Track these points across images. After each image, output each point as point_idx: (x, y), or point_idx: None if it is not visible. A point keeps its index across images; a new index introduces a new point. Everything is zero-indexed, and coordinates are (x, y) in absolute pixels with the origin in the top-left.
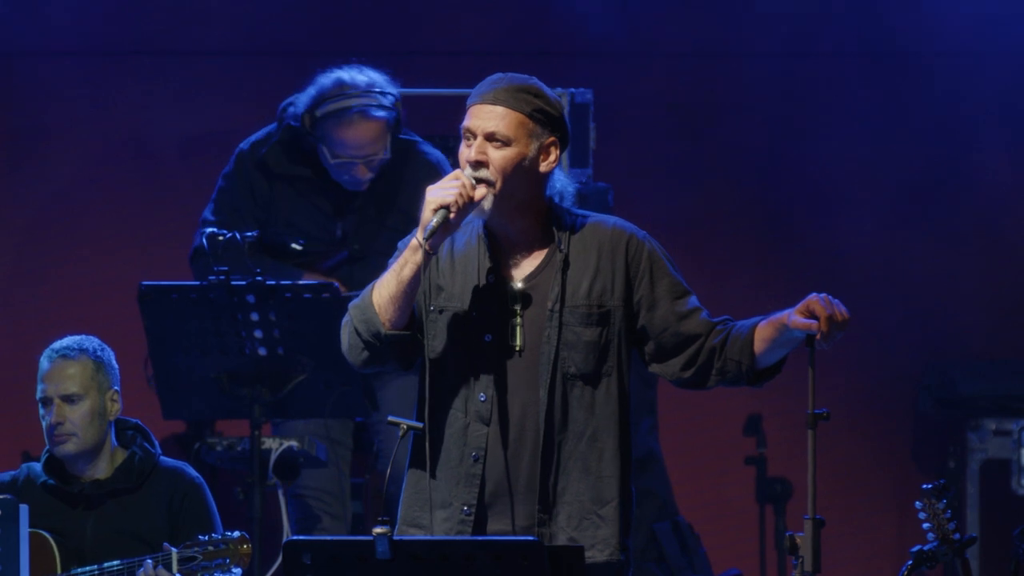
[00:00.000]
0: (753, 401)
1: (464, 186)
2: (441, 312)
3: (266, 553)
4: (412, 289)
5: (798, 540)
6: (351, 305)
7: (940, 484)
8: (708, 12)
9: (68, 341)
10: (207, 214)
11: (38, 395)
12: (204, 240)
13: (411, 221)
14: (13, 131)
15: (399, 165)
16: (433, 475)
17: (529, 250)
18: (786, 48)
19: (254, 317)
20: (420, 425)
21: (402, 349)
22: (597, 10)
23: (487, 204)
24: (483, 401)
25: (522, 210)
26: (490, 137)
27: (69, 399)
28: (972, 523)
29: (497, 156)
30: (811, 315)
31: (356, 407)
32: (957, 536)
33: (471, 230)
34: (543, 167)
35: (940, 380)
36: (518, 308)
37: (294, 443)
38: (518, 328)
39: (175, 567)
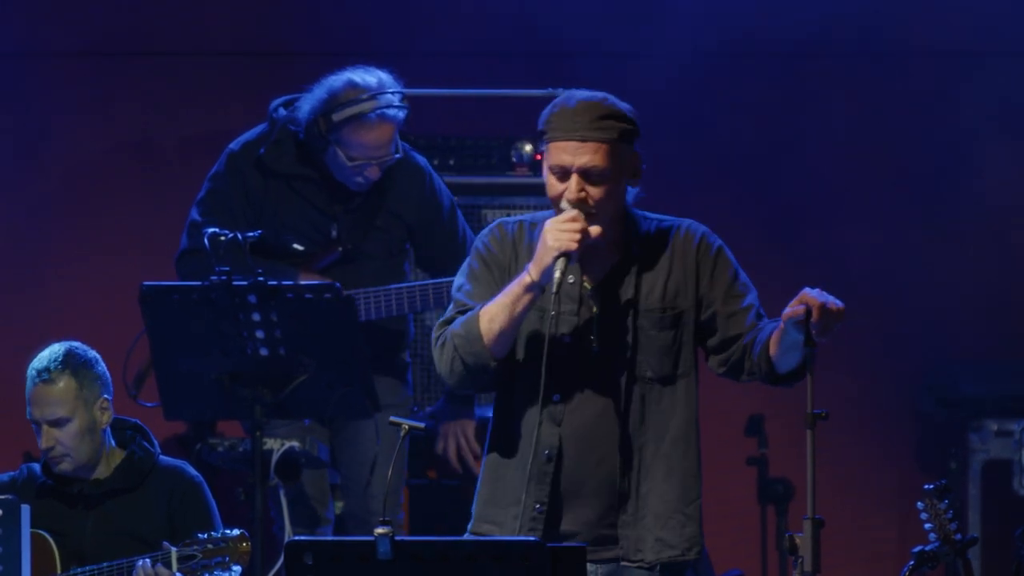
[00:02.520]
0: (754, 401)
1: (582, 230)
2: None
3: (268, 553)
4: (520, 322)
5: (798, 540)
6: (454, 332)
7: (941, 484)
8: (708, 12)
9: (48, 358)
10: (195, 215)
11: (28, 416)
12: (206, 240)
13: (399, 222)
14: (13, 131)
15: (389, 168)
16: (509, 472)
17: (605, 252)
18: (786, 48)
19: (256, 317)
20: (422, 425)
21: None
22: (597, 10)
23: (576, 256)
24: (556, 401)
25: (608, 216)
26: (585, 174)
27: (56, 423)
28: (974, 524)
29: (597, 191)
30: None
31: (358, 408)
32: (959, 536)
33: (537, 234)
34: (632, 182)
35: (941, 380)
36: (594, 310)
37: (295, 444)
38: (594, 330)
39: (174, 565)
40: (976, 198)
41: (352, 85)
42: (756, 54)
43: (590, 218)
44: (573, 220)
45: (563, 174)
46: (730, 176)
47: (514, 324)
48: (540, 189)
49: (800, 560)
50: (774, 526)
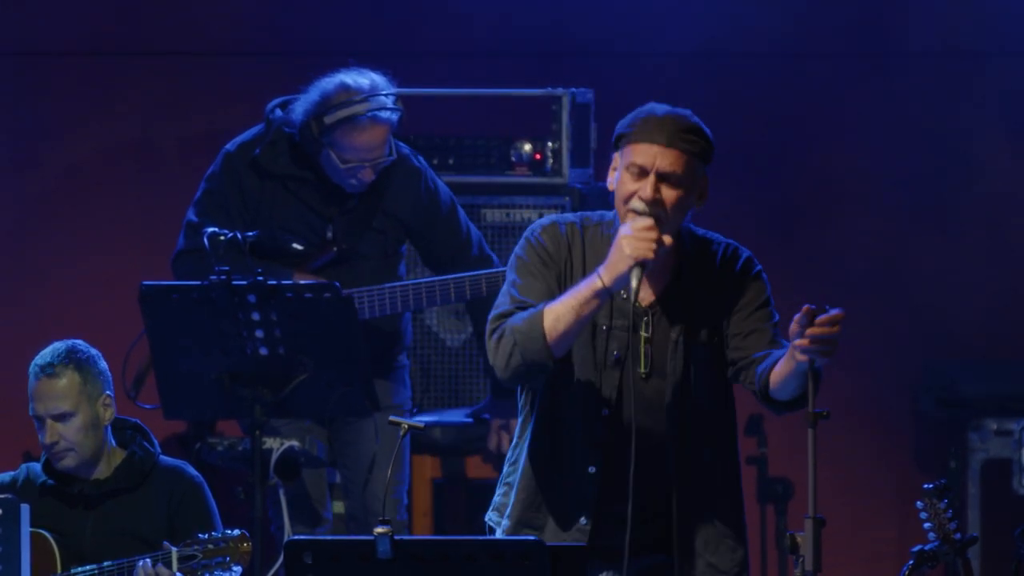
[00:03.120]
0: (754, 401)
1: (658, 239)
2: None
3: (267, 553)
4: (583, 327)
5: (799, 539)
6: (515, 327)
7: (941, 484)
8: (708, 12)
9: (51, 354)
10: (191, 216)
11: (30, 412)
12: (206, 240)
13: (395, 224)
14: (13, 131)
15: (385, 168)
16: (551, 481)
17: (656, 270)
18: (786, 48)
19: (255, 317)
20: (421, 425)
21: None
22: (598, 10)
23: (649, 266)
24: (605, 415)
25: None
26: (664, 177)
27: (60, 418)
28: (973, 523)
29: (671, 196)
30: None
31: (358, 407)
32: (958, 536)
33: (599, 238)
34: (699, 203)
35: (941, 380)
36: (645, 332)
37: (295, 443)
38: (642, 351)
39: (175, 565)
40: (976, 198)
41: (344, 87)
42: (757, 54)
43: (660, 226)
44: (650, 229)
45: (641, 174)
46: (730, 175)
47: (578, 327)
48: (540, 189)
49: (801, 559)
50: (774, 525)
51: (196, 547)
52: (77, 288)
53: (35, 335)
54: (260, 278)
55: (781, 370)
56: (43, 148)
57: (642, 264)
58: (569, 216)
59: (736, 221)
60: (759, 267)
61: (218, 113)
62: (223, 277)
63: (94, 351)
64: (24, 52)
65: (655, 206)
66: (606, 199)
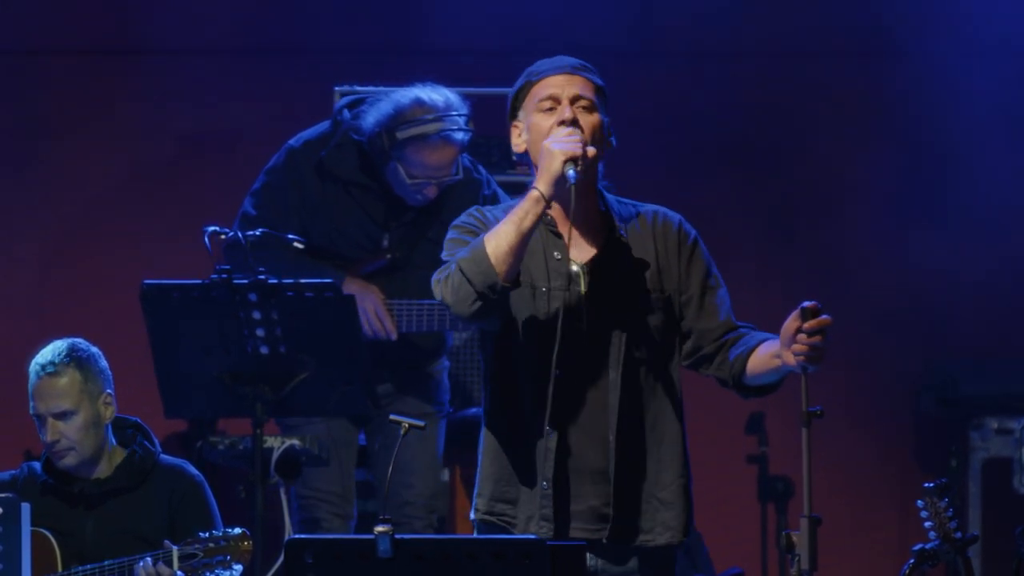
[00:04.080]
0: (755, 400)
1: (583, 140)
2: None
3: (268, 552)
4: (527, 241)
5: (795, 538)
6: (460, 258)
7: (942, 483)
8: (709, 11)
9: (52, 352)
10: (248, 208)
11: (31, 411)
12: (206, 238)
13: None
14: (13, 131)
15: None
16: (514, 450)
17: (588, 232)
18: (787, 47)
19: (256, 316)
20: (422, 424)
21: (504, 305)
22: (598, 9)
23: (580, 167)
24: (557, 376)
25: (587, 188)
26: (576, 100)
27: (61, 416)
28: (974, 522)
29: (588, 119)
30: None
31: (358, 405)
32: (959, 535)
33: None
34: (610, 143)
35: (942, 379)
36: (584, 290)
37: (296, 442)
38: (585, 311)
39: (175, 564)
40: (976, 197)
41: (419, 103)
42: (757, 53)
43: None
44: (571, 133)
45: (554, 104)
46: (731, 176)
47: (523, 241)
48: None
49: (797, 558)
50: (774, 524)
51: (197, 546)
52: (77, 287)
53: (35, 335)
54: (261, 277)
55: (762, 363)
56: (41, 147)
57: (574, 160)
58: (491, 206)
59: (736, 220)
60: (694, 232)
61: (218, 112)
62: (224, 276)
63: (94, 349)
64: (25, 51)
65: (575, 127)
66: None
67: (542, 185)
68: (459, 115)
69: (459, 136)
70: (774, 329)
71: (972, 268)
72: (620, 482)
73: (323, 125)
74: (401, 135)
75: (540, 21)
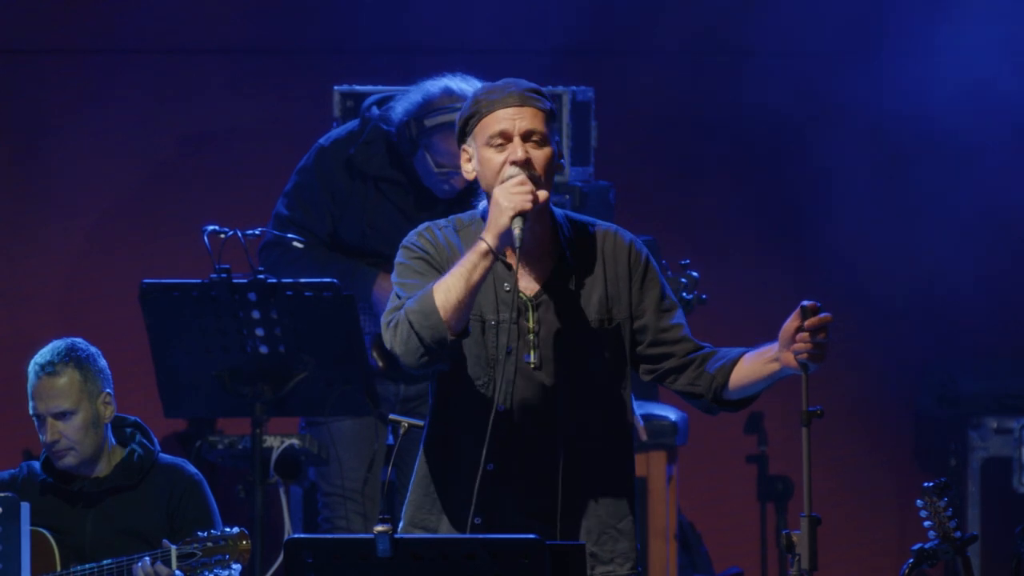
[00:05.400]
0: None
1: (532, 192)
2: None
3: (268, 552)
4: (476, 293)
5: (794, 538)
6: (408, 309)
7: (941, 482)
8: (709, 11)
9: (51, 352)
10: (281, 208)
11: (30, 411)
12: (205, 238)
13: None
14: (13, 131)
15: None
16: (445, 480)
17: (538, 259)
18: (787, 47)
19: (255, 315)
20: (421, 424)
21: (456, 349)
22: (598, 8)
23: (528, 222)
24: (500, 412)
25: (539, 213)
26: (527, 136)
27: (60, 416)
28: (973, 521)
29: (539, 155)
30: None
31: (358, 405)
32: (958, 534)
33: (470, 235)
34: (560, 166)
35: (941, 378)
36: (531, 323)
37: (295, 441)
38: (532, 342)
39: (174, 563)
40: (977, 196)
41: (448, 92)
42: (756, 53)
43: (536, 183)
44: (522, 183)
45: (504, 141)
46: (731, 175)
47: (471, 294)
48: None
49: (797, 558)
50: (774, 524)
51: (196, 545)
52: (77, 287)
53: (35, 334)
54: (260, 276)
55: (751, 372)
56: (43, 146)
57: (522, 215)
58: (441, 221)
59: (736, 221)
60: (645, 251)
61: (219, 112)
62: (223, 275)
63: (94, 349)
64: (25, 51)
65: (527, 167)
66: (606, 197)
67: (489, 236)
68: None
69: None
70: (757, 339)
71: (972, 268)
72: (568, 519)
73: (351, 123)
74: (429, 123)
75: (540, 20)
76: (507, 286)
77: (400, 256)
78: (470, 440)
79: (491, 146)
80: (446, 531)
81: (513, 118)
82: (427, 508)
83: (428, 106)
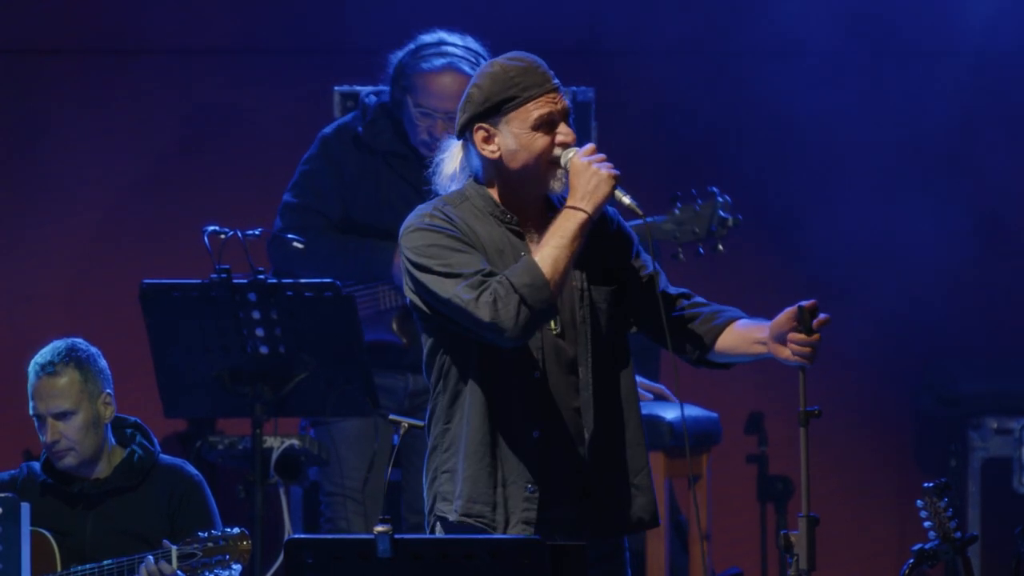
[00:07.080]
0: (755, 399)
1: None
2: None
3: (268, 552)
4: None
5: (792, 538)
6: (513, 283)
7: (941, 482)
8: (709, 11)
9: (51, 352)
10: (288, 197)
11: (30, 411)
12: (205, 238)
13: None
14: (13, 131)
15: None
16: (495, 456)
17: (542, 228)
18: (787, 47)
19: (256, 315)
20: (421, 424)
21: None
22: (598, 8)
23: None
24: (536, 378)
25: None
26: (565, 116)
27: (61, 416)
28: (973, 521)
29: (572, 133)
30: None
31: (358, 405)
32: (958, 534)
33: (469, 209)
34: None
35: (941, 378)
36: None
37: (295, 441)
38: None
39: (175, 563)
40: (977, 196)
41: (439, 39)
42: (756, 52)
43: None
44: (601, 158)
45: (551, 126)
46: (731, 175)
47: (571, 266)
48: None
49: (795, 558)
50: (774, 524)
51: (196, 545)
52: (77, 287)
53: (35, 334)
54: (260, 276)
55: (740, 345)
56: (43, 146)
57: (617, 180)
58: (434, 202)
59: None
60: (612, 209)
61: (219, 111)
62: (223, 276)
63: (94, 349)
64: (25, 50)
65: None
66: None
67: (590, 206)
68: (477, 54)
69: (465, 67)
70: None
71: (973, 266)
72: (597, 477)
73: (352, 113)
74: (412, 65)
75: (540, 20)
76: (524, 255)
77: (423, 239)
78: (513, 411)
79: (535, 130)
80: (504, 507)
81: (555, 101)
82: (484, 484)
83: (417, 50)
